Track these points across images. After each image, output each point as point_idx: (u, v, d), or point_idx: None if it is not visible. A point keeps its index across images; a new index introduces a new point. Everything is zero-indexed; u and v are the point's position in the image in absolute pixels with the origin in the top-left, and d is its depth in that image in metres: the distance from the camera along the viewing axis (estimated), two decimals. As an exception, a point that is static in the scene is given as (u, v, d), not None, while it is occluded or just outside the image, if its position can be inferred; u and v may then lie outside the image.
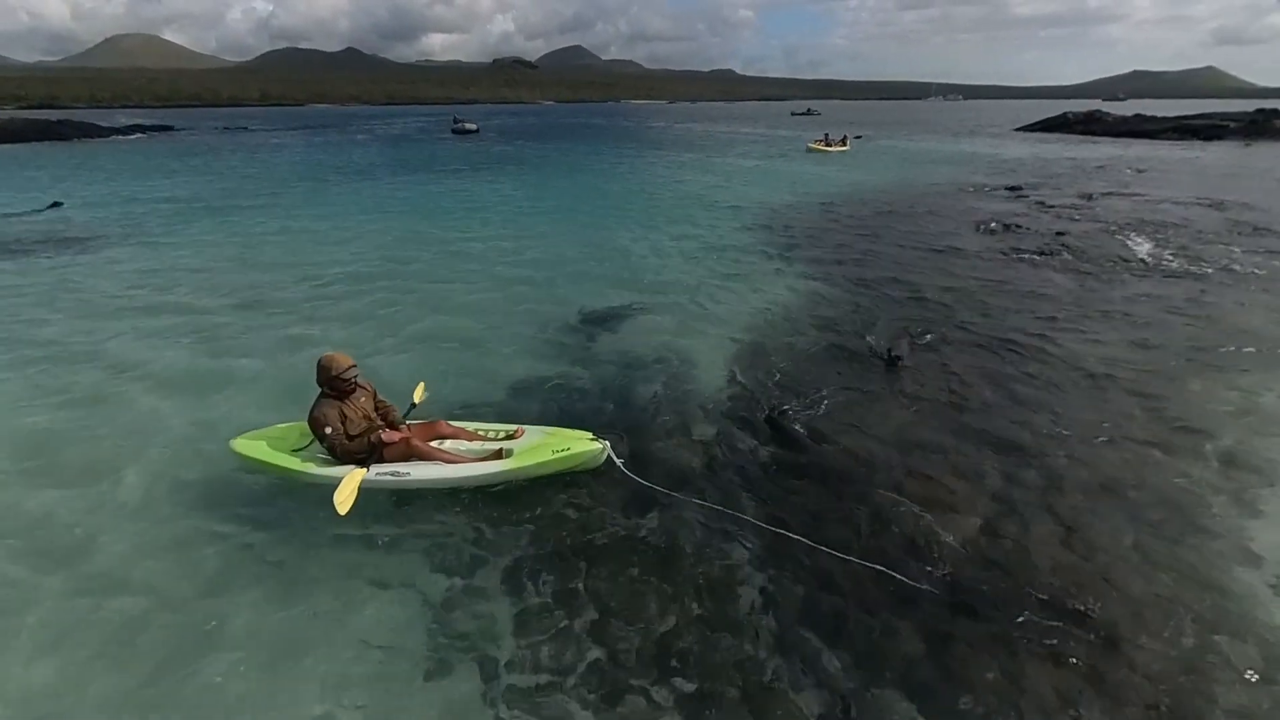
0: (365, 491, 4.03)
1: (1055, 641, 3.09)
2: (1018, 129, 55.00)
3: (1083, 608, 3.28)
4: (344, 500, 3.78)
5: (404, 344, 7.30)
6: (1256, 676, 2.88)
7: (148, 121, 68.91)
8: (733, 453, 4.94)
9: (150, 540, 4.03)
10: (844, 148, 33.65)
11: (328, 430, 4.11)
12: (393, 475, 4.13)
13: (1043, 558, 3.66)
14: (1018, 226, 13.69)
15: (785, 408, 5.53)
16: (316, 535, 4.04)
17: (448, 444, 4.52)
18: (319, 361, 4.19)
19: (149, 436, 5.23)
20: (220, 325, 7.99)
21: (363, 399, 4.36)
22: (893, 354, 6.51)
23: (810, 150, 33.69)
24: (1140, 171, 25.02)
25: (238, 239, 13.22)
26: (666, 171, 25.92)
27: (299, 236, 13.40)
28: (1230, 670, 2.93)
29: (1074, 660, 2.98)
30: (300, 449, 4.32)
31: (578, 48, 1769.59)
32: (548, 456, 4.26)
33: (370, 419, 4.37)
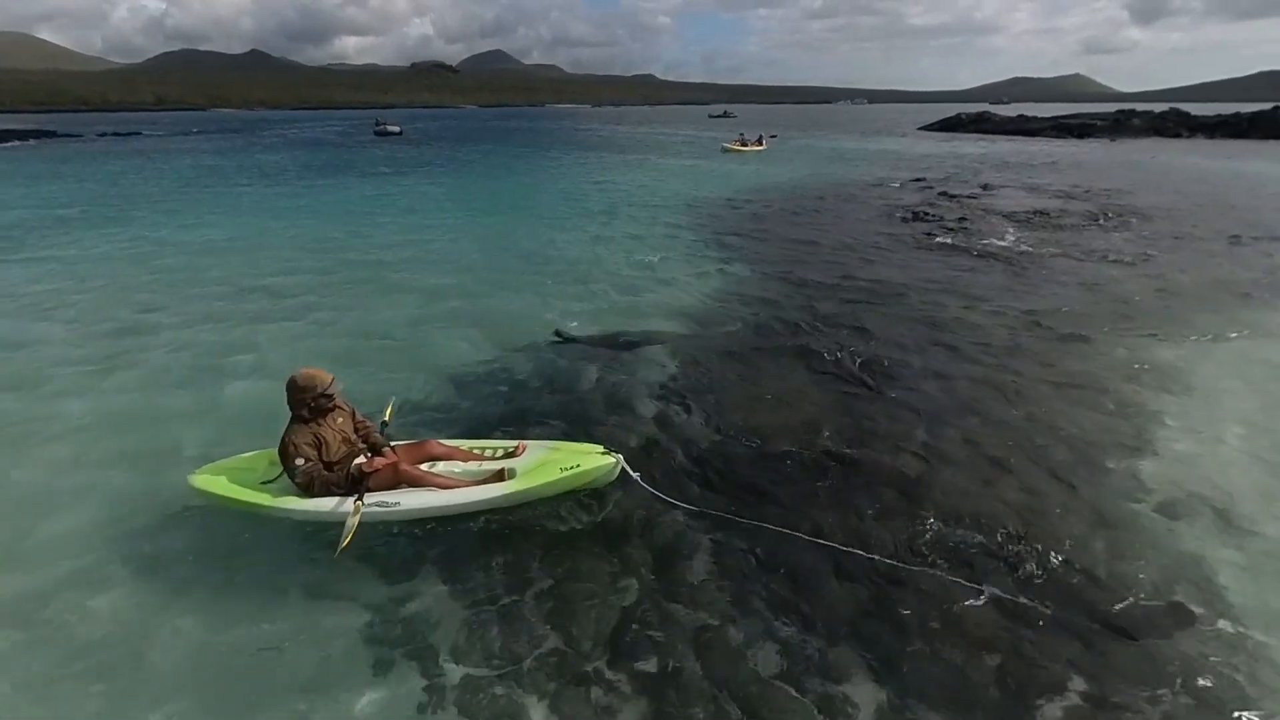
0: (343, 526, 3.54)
1: (982, 578, 3.35)
2: (920, 128, 59.35)
3: (1004, 544, 3.59)
4: (345, 537, 3.34)
5: (338, 357, 6.49)
6: (1148, 590, 3.27)
7: (24, 127, 62.85)
8: (685, 445, 4.78)
9: (90, 578, 3.50)
10: (760, 147, 34.24)
11: (300, 462, 3.56)
12: (381, 506, 3.64)
13: (967, 504, 3.96)
14: (926, 215, 14.94)
15: (719, 393, 5.60)
16: (284, 569, 3.59)
17: (440, 466, 4.02)
18: (291, 381, 3.64)
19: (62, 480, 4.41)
20: (127, 350, 6.82)
21: (340, 419, 3.82)
22: (862, 371, 6.15)
23: (726, 151, 33.66)
24: (1030, 165, 27.62)
25: (145, 248, 12.21)
26: (593, 171, 26.28)
27: (214, 245, 12.76)
28: (1126, 585, 3.31)
29: (999, 592, 3.24)
30: (271, 480, 3.80)
31: (499, 52, 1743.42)
32: (556, 475, 3.87)
33: (350, 442, 3.84)
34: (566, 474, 3.88)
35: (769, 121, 70.27)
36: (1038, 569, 3.43)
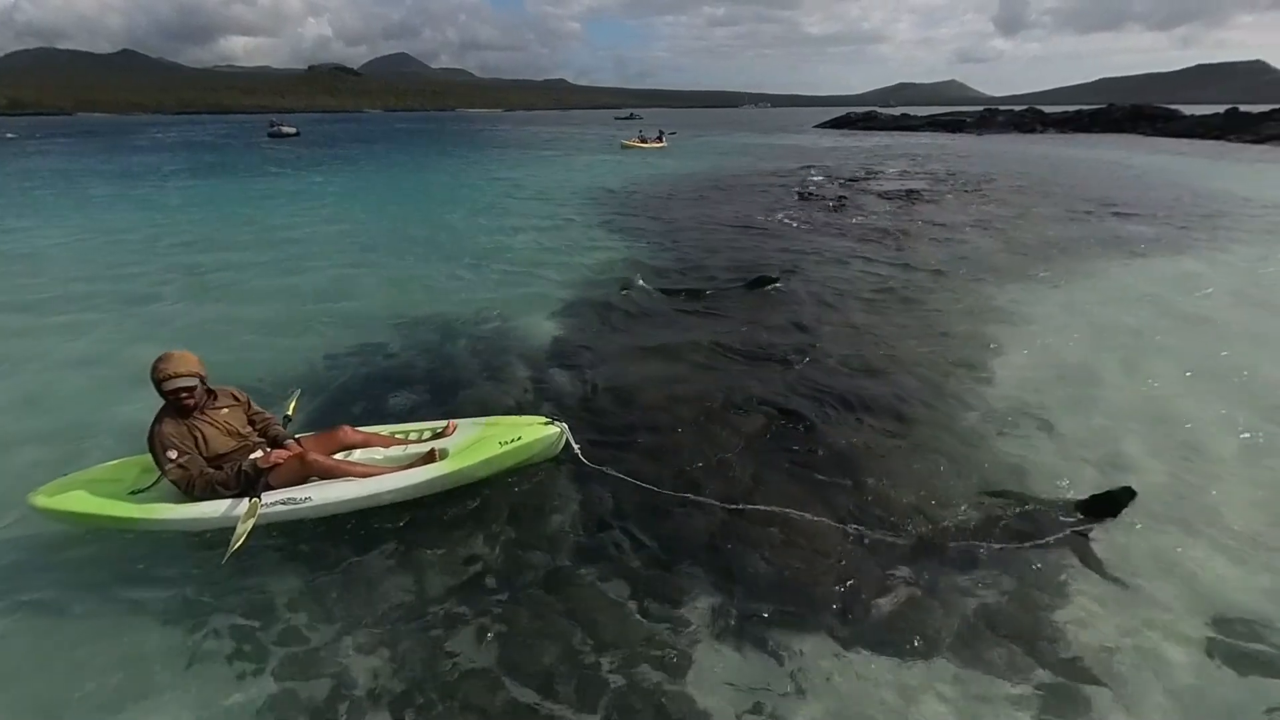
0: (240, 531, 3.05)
1: (832, 499, 3.59)
2: (815, 126, 63.33)
3: (857, 468, 3.91)
4: (235, 543, 2.91)
5: (235, 345, 6.09)
6: (984, 496, 3.66)
7: None
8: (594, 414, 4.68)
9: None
10: (660, 144, 34.52)
11: (171, 455, 3.06)
12: (287, 504, 3.19)
13: (832, 440, 4.26)
14: (813, 195, 16.32)
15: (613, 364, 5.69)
16: (147, 584, 3.09)
17: (357, 454, 3.63)
18: (153, 364, 3.14)
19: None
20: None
21: (225, 410, 3.32)
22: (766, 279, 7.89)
23: (625, 148, 33.72)
24: (908, 155, 30.23)
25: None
26: (498, 168, 26.28)
27: (84, 241, 12.15)
28: (967, 489, 3.72)
29: (845, 511, 3.50)
30: (144, 489, 3.23)
31: (404, 55, 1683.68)
32: (495, 450, 3.54)
33: (241, 435, 3.34)
34: (507, 448, 3.55)
35: (678, 123, 72.15)
36: (885, 483, 3.75)
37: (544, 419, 3.80)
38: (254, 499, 3.11)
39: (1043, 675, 2.51)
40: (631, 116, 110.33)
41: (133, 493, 3.23)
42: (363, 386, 5.18)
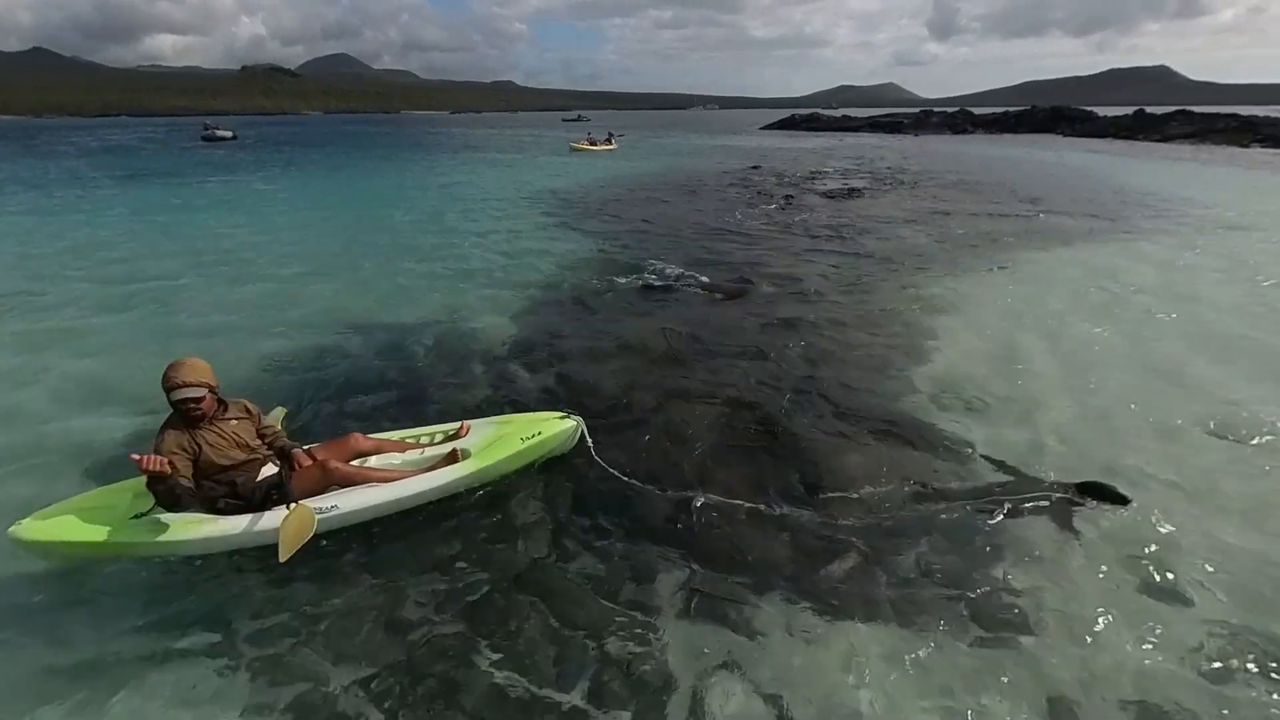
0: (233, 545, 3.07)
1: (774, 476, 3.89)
2: (761, 128, 64.87)
3: (809, 440, 4.27)
4: (292, 545, 2.86)
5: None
6: (915, 455, 4.07)
7: None
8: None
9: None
10: (610, 146, 34.32)
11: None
12: (316, 512, 3.08)
13: (780, 419, 4.61)
14: (761, 192, 16.92)
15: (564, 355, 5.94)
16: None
17: (372, 460, 3.59)
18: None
19: None
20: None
21: (234, 422, 3.23)
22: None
23: (575, 151, 33.35)
24: (849, 154, 31.39)
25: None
26: (446, 170, 26.00)
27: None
28: (904, 454, 4.10)
29: (792, 491, 3.87)
30: (145, 512, 3.05)
31: (344, 55, 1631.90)
32: (517, 447, 3.58)
33: (250, 449, 3.25)
34: (529, 443, 3.61)
35: (627, 125, 72.49)
36: (835, 464, 4.02)
37: (560, 413, 3.84)
38: (294, 503, 3.05)
39: (977, 631, 2.74)
40: (579, 119, 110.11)
41: (135, 517, 3.04)
42: (330, 397, 5.02)
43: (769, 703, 2.44)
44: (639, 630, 2.80)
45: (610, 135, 37.72)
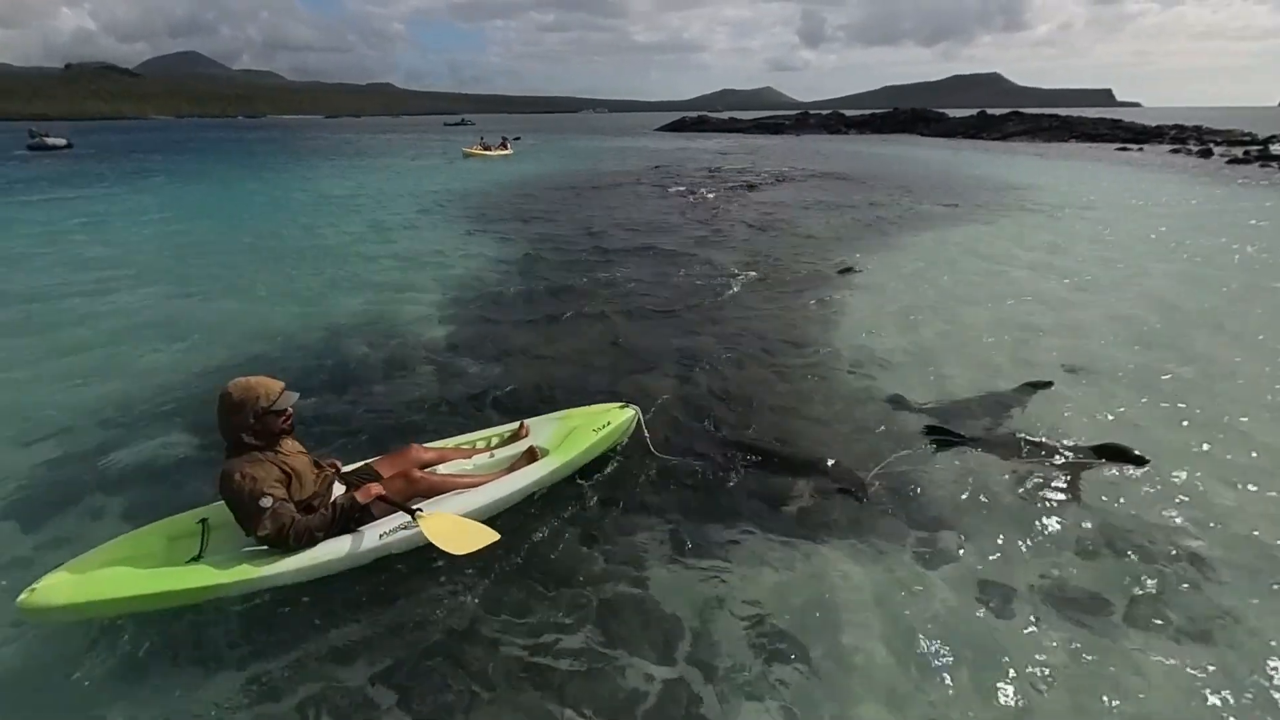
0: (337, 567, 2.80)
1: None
2: (656, 129, 66.69)
3: (744, 411, 4.80)
4: (475, 536, 2.76)
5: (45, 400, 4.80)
6: (835, 418, 4.55)
7: None
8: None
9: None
10: (505, 151, 32.94)
11: (266, 503, 2.59)
12: (406, 528, 2.87)
13: (699, 390, 5.02)
14: (666, 191, 17.53)
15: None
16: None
17: (441, 469, 3.40)
18: (224, 396, 2.70)
19: None
20: None
21: (297, 445, 2.93)
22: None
23: (468, 156, 31.44)
24: (741, 153, 33.10)
25: None
26: (333, 179, 24.43)
27: None
28: (819, 420, 4.46)
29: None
30: (198, 555, 2.73)
31: (195, 54, 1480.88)
32: (592, 439, 3.55)
33: (319, 469, 2.98)
34: (600, 434, 3.60)
35: (518, 128, 71.01)
36: (767, 421, 4.45)
37: (618, 404, 3.90)
38: (416, 510, 2.86)
39: (913, 538, 3.22)
40: (463, 123, 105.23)
41: (190, 561, 2.68)
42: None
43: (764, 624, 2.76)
44: (631, 575, 3.03)
45: (505, 139, 36.41)
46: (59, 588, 2.52)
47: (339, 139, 59.01)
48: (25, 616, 2.51)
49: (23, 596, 2.49)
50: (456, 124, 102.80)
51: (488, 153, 32.09)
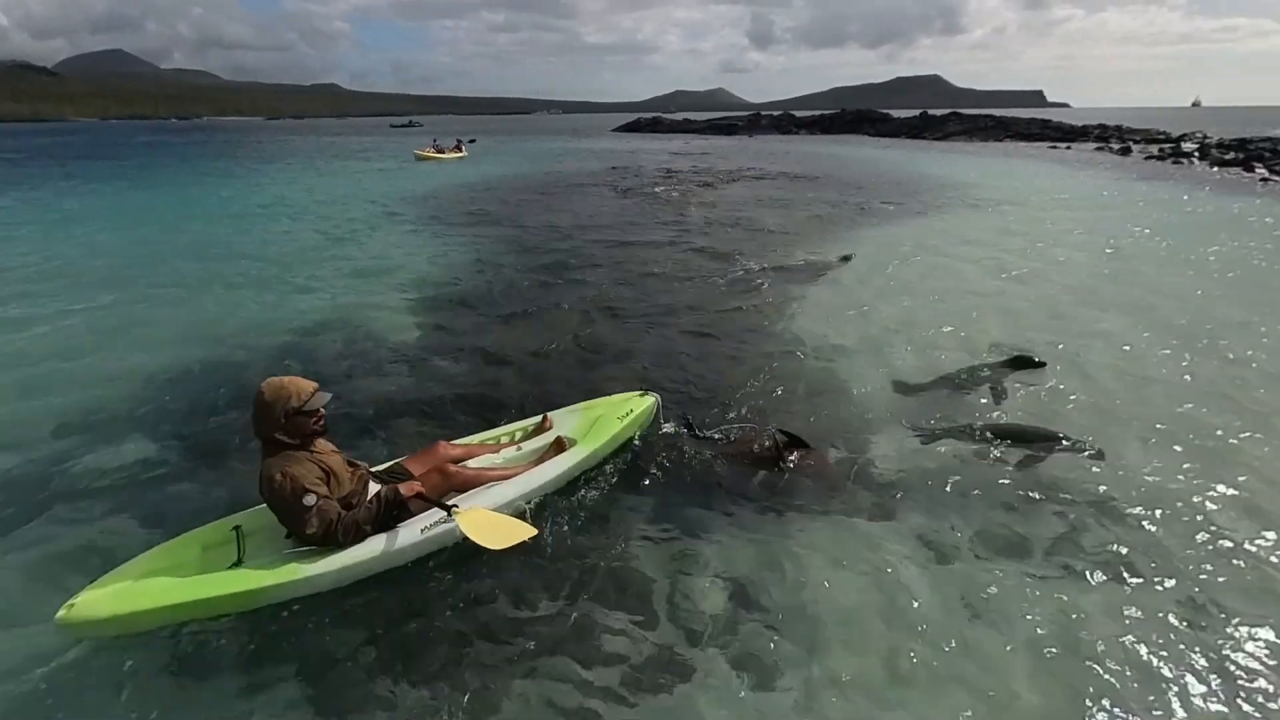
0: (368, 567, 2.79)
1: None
2: (612, 130, 67.03)
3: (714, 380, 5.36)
4: (512, 531, 2.79)
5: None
6: (799, 399, 5.22)
7: None
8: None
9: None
10: (460, 154, 32.18)
11: (310, 501, 2.60)
12: (443, 522, 2.88)
13: (670, 373, 5.58)
14: (628, 192, 17.85)
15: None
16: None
17: (471, 464, 3.41)
18: (260, 396, 2.70)
19: None
20: None
21: (330, 446, 2.94)
22: None
23: (421, 159, 30.60)
24: (697, 154, 33.74)
25: None
26: (281, 184, 23.46)
27: None
28: (786, 402, 4.92)
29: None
30: (239, 560, 2.70)
31: (120, 52, 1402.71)
32: (617, 427, 3.64)
33: (354, 466, 3.01)
34: (625, 422, 3.67)
35: (470, 130, 69.32)
36: (741, 404, 4.77)
37: (638, 391, 4.00)
38: (453, 508, 2.86)
39: (863, 500, 3.70)
40: (410, 124, 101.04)
41: (232, 566, 2.66)
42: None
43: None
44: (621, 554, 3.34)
45: (459, 142, 35.46)
46: (99, 601, 2.49)
47: (286, 142, 57.04)
48: (65, 632, 2.46)
49: (61, 613, 2.44)
50: (404, 125, 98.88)
51: (441, 155, 31.24)
